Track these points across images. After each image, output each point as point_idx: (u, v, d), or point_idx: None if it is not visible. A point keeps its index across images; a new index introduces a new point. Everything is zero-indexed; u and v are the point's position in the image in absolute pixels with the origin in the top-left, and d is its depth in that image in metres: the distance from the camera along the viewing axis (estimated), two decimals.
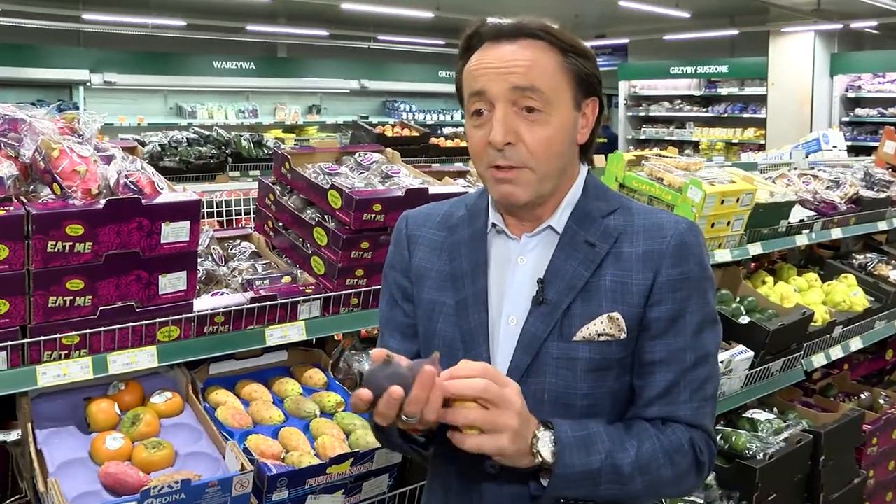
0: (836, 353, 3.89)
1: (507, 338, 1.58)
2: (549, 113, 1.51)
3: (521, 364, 1.55)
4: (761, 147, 14.43)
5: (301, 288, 2.42)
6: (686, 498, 3.03)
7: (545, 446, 1.43)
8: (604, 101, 1.64)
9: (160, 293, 2.09)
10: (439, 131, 11.62)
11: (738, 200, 3.37)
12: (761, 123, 15.91)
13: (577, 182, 1.64)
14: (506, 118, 1.50)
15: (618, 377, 1.56)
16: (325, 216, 2.50)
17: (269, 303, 2.31)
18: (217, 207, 3.47)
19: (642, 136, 16.87)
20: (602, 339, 1.54)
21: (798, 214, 3.94)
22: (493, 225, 1.65)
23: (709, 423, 1.58)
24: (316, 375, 2.59)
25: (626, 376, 1.58)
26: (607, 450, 1.47)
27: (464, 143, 8.25)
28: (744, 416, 3.52)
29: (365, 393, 1.37)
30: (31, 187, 2.05)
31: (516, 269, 1.61)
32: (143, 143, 6.76)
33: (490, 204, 1.67)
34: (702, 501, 3.06)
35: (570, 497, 1.49)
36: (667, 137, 16.48)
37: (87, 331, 2.00)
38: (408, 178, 2.70)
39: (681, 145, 16.00)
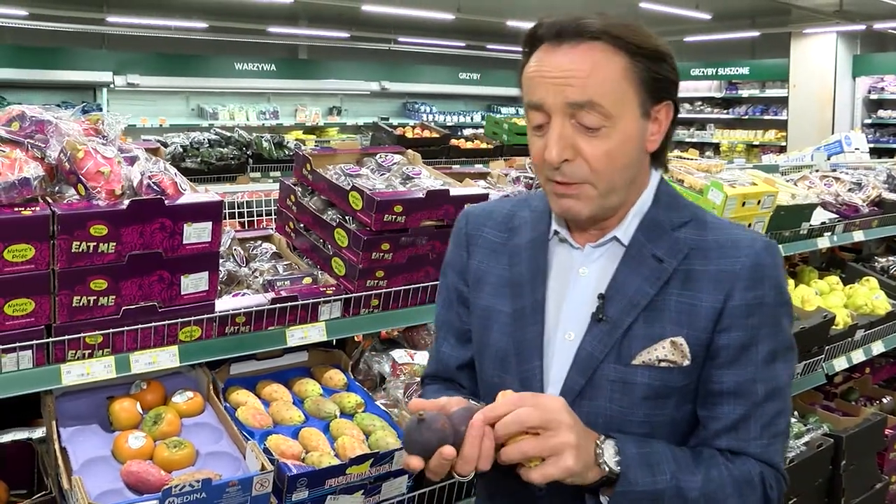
0: (858, 356, 3.86)
1: (561, 354, 1.50)
2: (612, 126, 1.38)
3: (575, 385, 1.47)
4: (782, 149, 14.34)
5: (322, 289, 2.43)
6: None
7: (610, 457, 1.34)
8: (678, 104, 1.50)
9: (182, 293, 2.10)
10: (459, 132, 11.60)
11: (759, 203, 3.35)
12: (782, 125, 15.82)
13: (647, 190, 1.52)
14: (562, 134, 1.39)
15: (678, 405, 1.46)
16: (346, 217, 2.51)
17: (289, 303, 2.32)
18: (238, 208, 3.49)
19: None
20: (663, 364, 1.43)
21: (820, 217, 3.91)
22: (556, 232, 1.56)
23: (780, 459, 1.47)
24: (336, 376, 2.60)
25: (687, 404, 1.47)
26: (673, 471, 1.37)
27: (483, 145, 8.25)
28: None
29: (415, 462, 1.31)
30: (57, 188, 2.07)
31: (578, 281, 1.51)
32: (165, 145, 6.81)
33: (552, 211, 1.57)
34: None
35: None
36: (687, 139, 16.42)
37: (111, 330, 2.02)
38: (429, 179, 2.71)
39: (701, 147, 15.93)
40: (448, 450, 1.29)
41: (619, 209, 1.49)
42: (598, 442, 1.35)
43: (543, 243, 1.57)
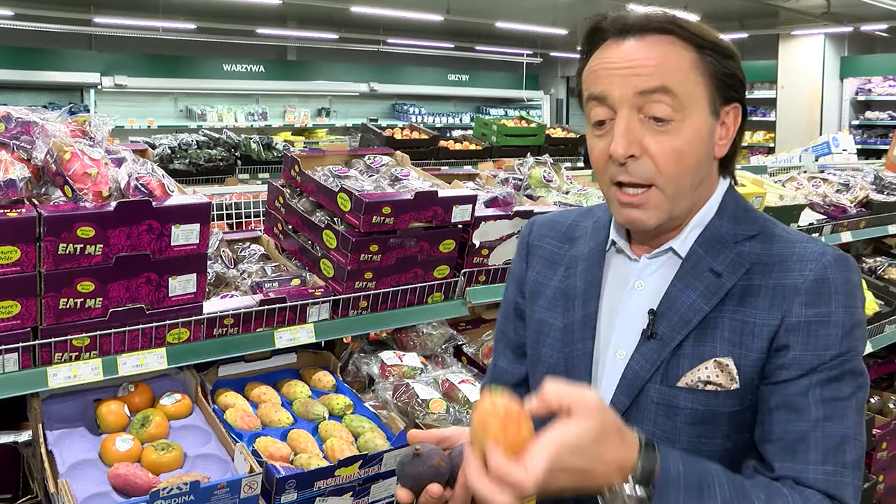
0: None
1: (612, 373, 1.40)
2: (681, 120, 1.29)
3: (620, 406, 1.37)
4: (771, 150, 14.43)
5: (310, 290, 2.42)
6: None
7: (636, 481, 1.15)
8: (747, 109, 1.42)
9: (170, 295, 2.09)
10: (448, 134, 11.60)
11: None
12: (771, 127, 15.90)
13: (711, 201, 1.41)
14: (629, 127, 1.29)
15: (729, 435, 1.33)
16: (335, 219, 2.51)
17: (278, 305, 2.31)
18: (227, 210, 3.48)
19: None
20: (708, 388, 1.32)
21: (808, 218, 3.93)
22: (613, 243, 1.47)
23: (851, 497, 1.26)
24: (325, 378, 2.60)
25: (742, 434, 1.33)
26: (726, 497, 1.18)
27: (472, 146, 8.25)
28: None
29: (403, 494, 1.24)
30: (43, 190, 2.06)
31: (632, 295, 1.42)
32: (153, 146, 6.79)
33: (612, 220, 1.48)
34: None
35: None
36: None
37: (98, 332, 2.01)
38: (417, 180, 2.70)
39: None
40: (435, 488, 1.22)
41: (683, 220, 1.40)
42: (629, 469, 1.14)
43: (601, 254, 1.49)
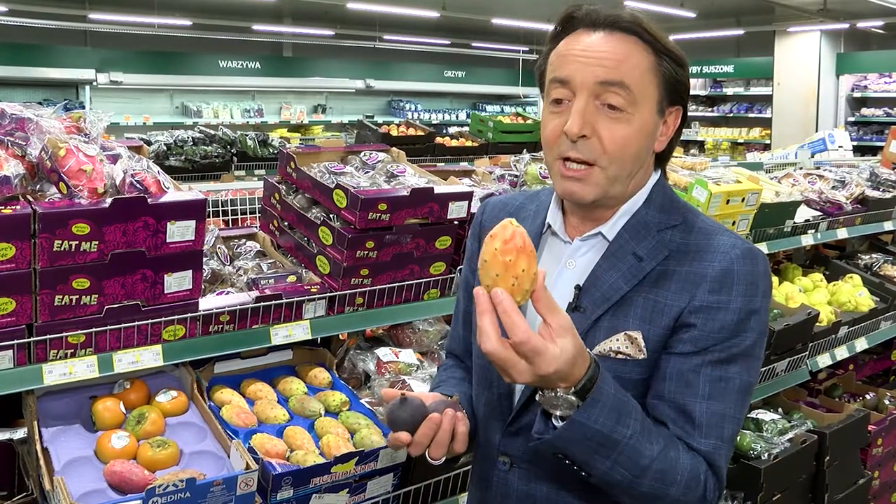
0: (842, 353, 3.89)
1: None
2: (632, 113, 1.45)
3: None
4: (767, 147, 14.45)
5: (306, 287, 2.42)
6: None
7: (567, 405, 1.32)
8: (687, 112, 1.59)
9: (166, 292, 2.09)
10: (444, 131, 11.62)
11: (743, 200, 3.37)
12: (767, 123, 15.92)
13: (641, 191, 1.57)
14: (586, 110, 1.44)
15: (636, 398, 1.45)
16: (331, 215, 2.50)
17: (274, 302, 2.31)
18: (222, 207, 3.48)
19: None
20: (618, 356, 1.48)
21: (803, 214, 3.94)
22: (549, 226, 1.62)
23: (723, 465, 1.47)
24: (321, 375, 2.60)
25: (647, 398, 1.50)
26: (636, 430, 1.36)
27: (468, 143, 8.25)
28: (749, 416, 3.51)
29: (404, 436, 1.44)
30: (38, 186, 2.05)
31: (563, 273, 1.57)
32: (148, 143, 6.78)
33: (553, 202, 1.63)
34: None
35: (572, 454, 1.36)
36: None
37: (93, 329, 2.00)
38: (413, 177, 2.70)
39: (686, 145, 15.99)
40: (436, 416, 1.44)
41: (616, 204, 1.55)
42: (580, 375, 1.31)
43: (538, 236, 1.62)
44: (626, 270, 1.51)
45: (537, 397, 1.35)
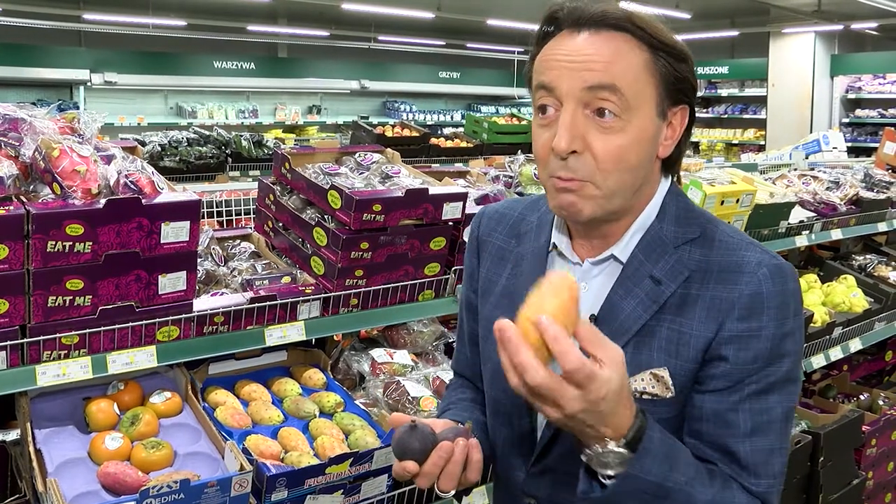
0: (836, 353, 3.89)
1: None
2: (627, 120, 1.29)
3: None
4: (761, 148, 14.45)
5: (301, 288, 2.42)
6: None
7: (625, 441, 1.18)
8: (695, 110, 1.42)
9: (160, 293, 2.09)
10: (439, 132, 11.61)
11: (737, 201, 3.37)
12: (761, 124, 15.95)
13: (653, 202, 1.41)
14: (574, 121, 1.29)
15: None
16: (325, 216, 2.50)
17: (268, 303, 2.31)
18: (217, 207, 3.48)
19: None
20: (644, 397, 1.34)
21: (798, 215, 3.94)
22: (555, 245, 1.48)
23: (777, 501, 1.35)
24: (315, 375, 2.59)
25: (680, 435, 1.36)
26: (691, 476, 1.25)
27: (463, 144, 8.25)
28: None
29: (411, 465, 1.30)
30: (32, 187, 2.05)
31: None
32: (143, 143, 6.76)
33: (555, 220, 1.49)
34: None
35: None
36: None
37: (87, 330, 2.00)
38: (408, 178, 2.70)
39: None
40: (447, 444, 1.30)
41: (624, 218, 1.39)
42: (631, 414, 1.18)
43: (543, 256, 1.49)
44: (644, 296, 1.36)
45: (583, 457, 1.20)
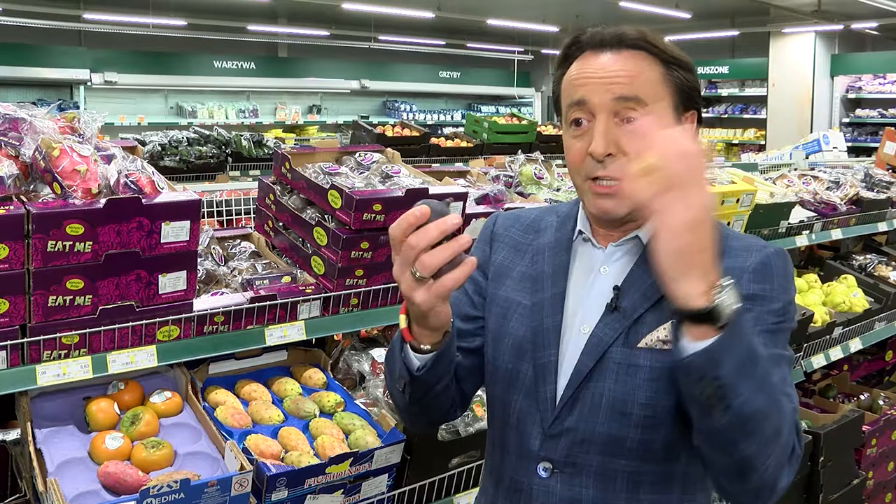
0: (836, 353, 3.90)
1: (576, 345, 1.54)
2: None
3: (584, 368, 1.50)
4: (761, 148, 14.46)
5: (301, 288, 2.42)
6: None
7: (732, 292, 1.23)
8: (701, 113, 1.61)
9: (160, 293, 2.09)
10: (439, 131, 11.62)
11: (738, 201, 3.37)
12: (761, 124, 15.95)
13: None
14: (608, 129, 1.46)
15: None
16: (325, 216, 2.50)
17: (268, 302, 2.31)
18: (217, 207, 3.47)
19: None
20: (665, 346, 1.45)
21: (798, 215, 3.94)
22: (580, 232, 1.62)
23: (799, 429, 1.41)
24: (315, 375, 2.59)
25: None
26: (763, 354, 1.30)
27: (463, 143, 8.25)
28: None
29: (426, 208, 1.36)
30: (32, 187, 2.05)
31: (597, 279, 1.57)
32: (143, 143, 6.77)
33: (580, 212, 1.63)
34: None
35: (724, 372, 1.23)
36: None
37: (87, 330, 2.00)
38: (408, 178, 2.70)
39: None
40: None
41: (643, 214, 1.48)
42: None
43: (567, 243, 1.63)
44: None
45: (696, 306, 1.21)
